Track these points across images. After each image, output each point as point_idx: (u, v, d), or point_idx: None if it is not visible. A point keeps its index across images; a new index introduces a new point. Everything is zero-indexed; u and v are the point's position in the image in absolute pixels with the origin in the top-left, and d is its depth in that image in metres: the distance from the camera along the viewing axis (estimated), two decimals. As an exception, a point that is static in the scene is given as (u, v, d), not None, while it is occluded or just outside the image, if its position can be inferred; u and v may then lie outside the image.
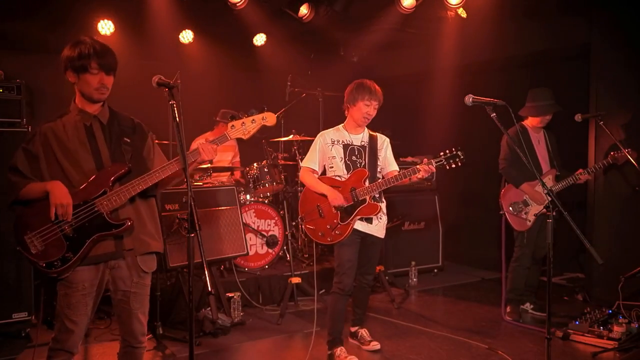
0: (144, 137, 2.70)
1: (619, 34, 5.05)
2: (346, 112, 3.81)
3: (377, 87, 3.71)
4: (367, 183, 3.66)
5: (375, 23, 6.24)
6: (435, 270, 6.35)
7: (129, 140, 2.60)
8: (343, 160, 3.72)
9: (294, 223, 5.79)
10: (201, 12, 5.96)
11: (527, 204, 4.58)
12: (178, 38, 6.36)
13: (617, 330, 3.98)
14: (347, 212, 3.64)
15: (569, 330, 4.16)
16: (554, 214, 2.89)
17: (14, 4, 5.26)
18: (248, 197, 5.53)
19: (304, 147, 5.36)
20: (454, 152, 3.50)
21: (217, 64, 6.76)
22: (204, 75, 6.62)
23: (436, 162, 3.52)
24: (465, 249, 7.06)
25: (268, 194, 5.78)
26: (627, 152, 4.41)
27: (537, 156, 4.62)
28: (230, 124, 2.69)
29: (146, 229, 2.60)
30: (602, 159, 4.64)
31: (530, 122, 4.71)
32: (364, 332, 4.12)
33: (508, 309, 4.70)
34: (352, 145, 3.76)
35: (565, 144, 4.97)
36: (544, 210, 2.95)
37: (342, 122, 3.87)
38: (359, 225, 3.69)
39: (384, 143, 3.86)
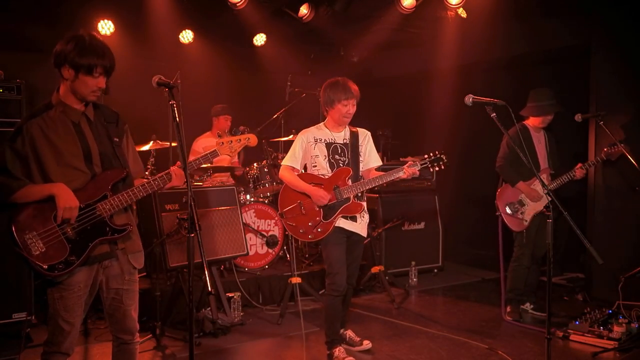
0: (123, 131, 2.69)
1: (619, 34, 5.05)
2: (325, 113, 3.79)
3: (351, 84, 3.67)
4: (350, 181, 3.67)
5: (375, 23, 6.25)
6: (435, 270, 6.35)
7: (117, 140, 2.61)
8: (327, 158, 3.71)
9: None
10: (201, 12, 5.97)
11: (522, 204, 4.57)
12: (178, 38, 6.36)
13: (617, 330, 3.98)
14: (330, 210, 3.63)
15: (569, 330, 4.16)
16: (554, 214, 2.90)
17: (15, 4, 5.26)
18: (248, 197, 5.53)
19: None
20: (438, 156, 3.57)
21: (217, 64, 6.76)
22: (204, 75, 6.62)
23: (421, 164, 3.58)
24: (465, 249, 7.05)
25: (268, 194, 5.78)
26: (621, 147, 4.40)
27: (537, 156, 4.62)
28: (219, 141, 2.79)
29: (134, 229, 2.66)
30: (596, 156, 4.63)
31: (531, 122, 4.70)
32: (350, 333, 4.06)
33: (508, 309, 4.70)
34: (334, 143, 3.75)
35: (565, 144, 4.97)
36: (544, 210, 2.95)
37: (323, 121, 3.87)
38: (345, 224, 3.68)
39: (365, 138, 3.86)
